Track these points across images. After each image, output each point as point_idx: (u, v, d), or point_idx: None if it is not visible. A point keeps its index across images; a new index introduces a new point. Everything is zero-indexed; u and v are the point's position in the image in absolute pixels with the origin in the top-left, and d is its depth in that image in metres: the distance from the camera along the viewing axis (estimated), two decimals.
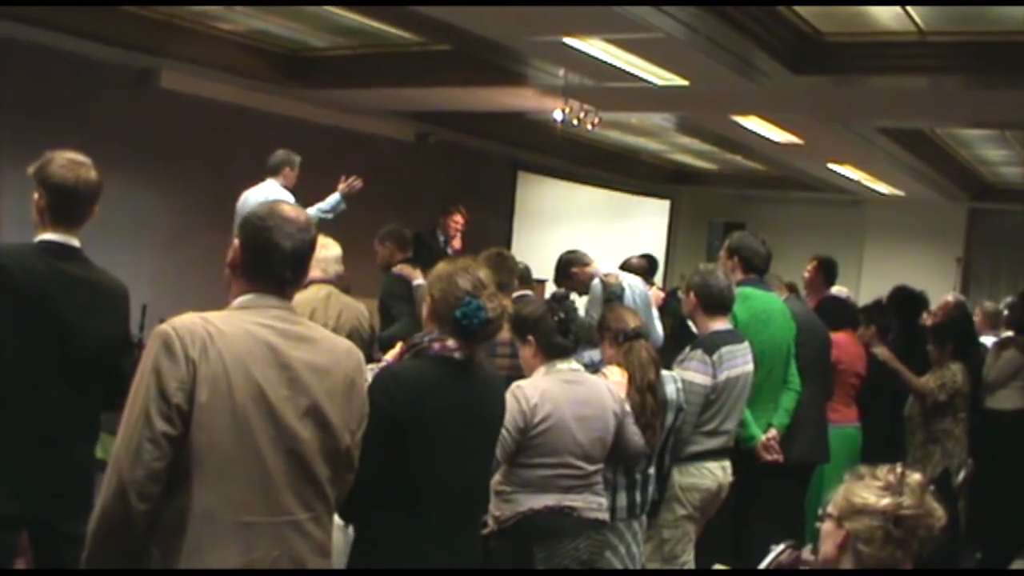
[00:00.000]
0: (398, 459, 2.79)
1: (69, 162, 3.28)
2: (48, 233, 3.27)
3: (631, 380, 4.05)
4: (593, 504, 3.78)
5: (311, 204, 7.40)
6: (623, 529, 4.11)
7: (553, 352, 3.80)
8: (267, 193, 7.07)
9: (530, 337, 3.83)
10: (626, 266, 6.99)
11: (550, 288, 10.68)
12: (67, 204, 3.26)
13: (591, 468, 3.76)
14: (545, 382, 3.74)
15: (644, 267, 7.15)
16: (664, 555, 4.51)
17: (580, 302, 6.09)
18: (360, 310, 4.93)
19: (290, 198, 7.17)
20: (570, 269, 6.38)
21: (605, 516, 3.84)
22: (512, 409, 3.57)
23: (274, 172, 7.38)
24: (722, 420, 4.60)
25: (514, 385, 3.71)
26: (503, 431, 3.52)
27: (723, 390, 4.58)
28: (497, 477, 3.67)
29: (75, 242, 3.31)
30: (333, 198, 7.44)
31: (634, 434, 3.96)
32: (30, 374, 3.19)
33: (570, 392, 3.74)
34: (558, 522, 3.67)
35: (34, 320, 3.19)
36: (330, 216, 7.36)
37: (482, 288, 2.95)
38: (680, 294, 5.33)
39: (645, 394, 4.08)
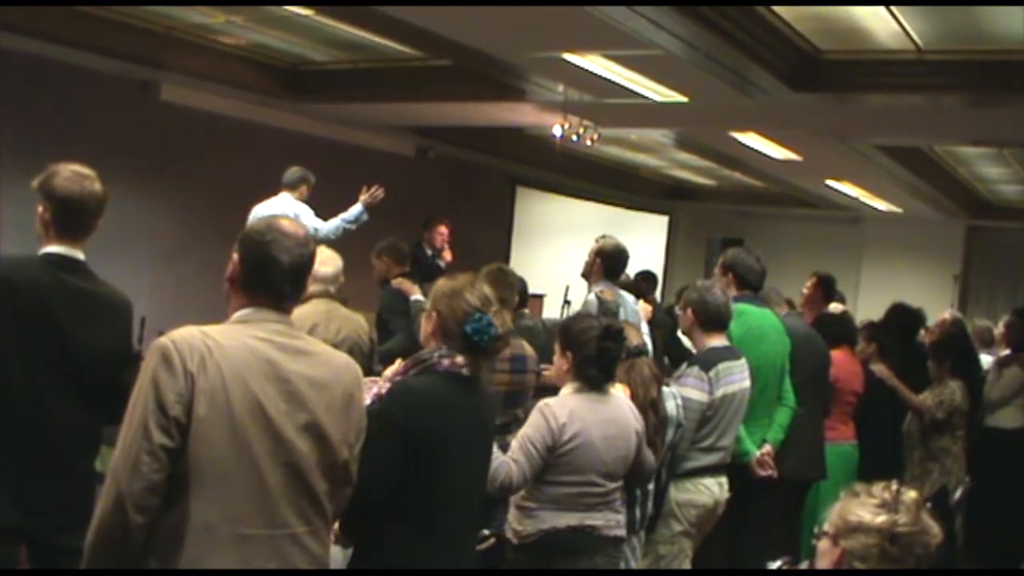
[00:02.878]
0: (413, 473, 2.80)
1: (74, 174, 3.28)
2: (53, 245, 3.27)
3: (633, 397, 4.06)
4: (612, 521, 3.80)
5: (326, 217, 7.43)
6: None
7: (584, 380, 3.80)
8: (282, 206, 7.07)
9: (569, 353, 3.83)
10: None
11: (548, 304, 10.71)
12: (72, 216, 3.26)
13: (612, 486, 3.79)
14: (573, 401, 3.75)
15: (631, 285, 7.11)
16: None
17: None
18: (360, 323, 4.93)
19: (309, 212, 7.21)
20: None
21: (622, 532, 3.88)
22: (541, 427, 3.62)
23: (291, 187, 7.42)
24: (719, 436, 4.60)
25: (543, 403, 3.74)
26: (531, 448, 3.58)
27: (720, 406, 4.58)
28: (521, 492, 3.69)
29: (80, 255, 3.31)
30: (355, 209, 7.44)
31: (648, 455, 3.98)
32: (32, 386, 3.18)
33: (597, 411, 3.75)
34: (579, 541, 3.70)
35: (37, 332, 3.18)
36: (353, 227, 7.39)
37: (489, 305, 2.98)
38: (677, 311, 5.33)
39: (647, 411, 4.08)
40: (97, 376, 3.29)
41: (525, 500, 3.70)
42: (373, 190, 7.46)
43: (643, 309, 6.10)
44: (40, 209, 3.28)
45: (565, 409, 3.68)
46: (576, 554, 3.69)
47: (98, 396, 3.29)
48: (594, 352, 3.77)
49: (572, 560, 3.68)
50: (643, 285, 8.26)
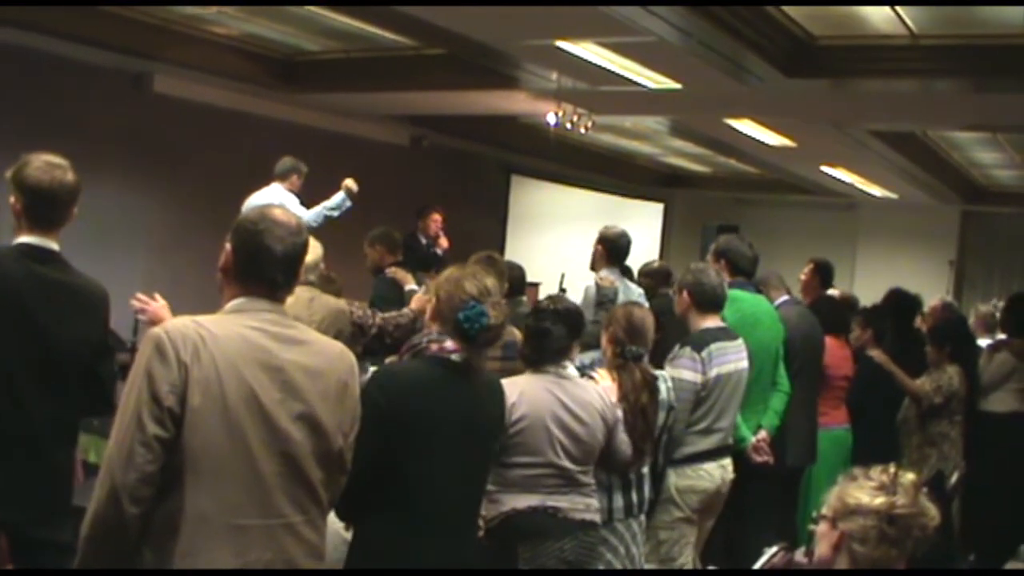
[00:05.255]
0: (391, 458, 2.80)
1: (45, 164, 3.24)
2: (25, 236, 3.23)
3: (624, 399, 4.04)
4: (580, 505, 3.76)
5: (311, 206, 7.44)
6: (622, 530, 4.09)
7: (523, 360, 3.86)
8: (271, 196, 7.11)
9: None
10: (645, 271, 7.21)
11: (544, 292, 10.69)
12: (44, 207, 3.22)
13: (576, 468, 3.75)
14: (525, 382, 3.76)
15: (662, 271, 7.33)
16: (661, 557, 4.48)
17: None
18: (342, 311, 4.89)
19: (295, 201, 7.25)
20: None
21: (594, 517, 3.82)
22: None
23: (281, 177, 7.51)
24: (716, 418, 4.58)
25: None
26: None
27: (714, 387, 4.55)
28: None
29: (53, 245, 3.27)
30: (337, 196, 7.50)
31: (622, 443, 3.97)
32: (6, 378, 3.15)
33: (554, 393, 3.74)
34: (541, 522, 3.67)
35: (10, 324, 3.15)
36: (335, 214, 7.44)
37: (487, 295, 2.99)
38: (672, 294, 5.35)
39: (636, 417, 4.07)
40: (73, 367, 3.26)
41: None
42: (345, 182, 7.57)
43: None
44: (11, 200, 3.24)
45: (516, 389, 3.66)
46: (540, 536, 3.65)
47: (74, 387, 3.27)
48: (525, 332, 3.88)
49: (538, 542, 3.64)
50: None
